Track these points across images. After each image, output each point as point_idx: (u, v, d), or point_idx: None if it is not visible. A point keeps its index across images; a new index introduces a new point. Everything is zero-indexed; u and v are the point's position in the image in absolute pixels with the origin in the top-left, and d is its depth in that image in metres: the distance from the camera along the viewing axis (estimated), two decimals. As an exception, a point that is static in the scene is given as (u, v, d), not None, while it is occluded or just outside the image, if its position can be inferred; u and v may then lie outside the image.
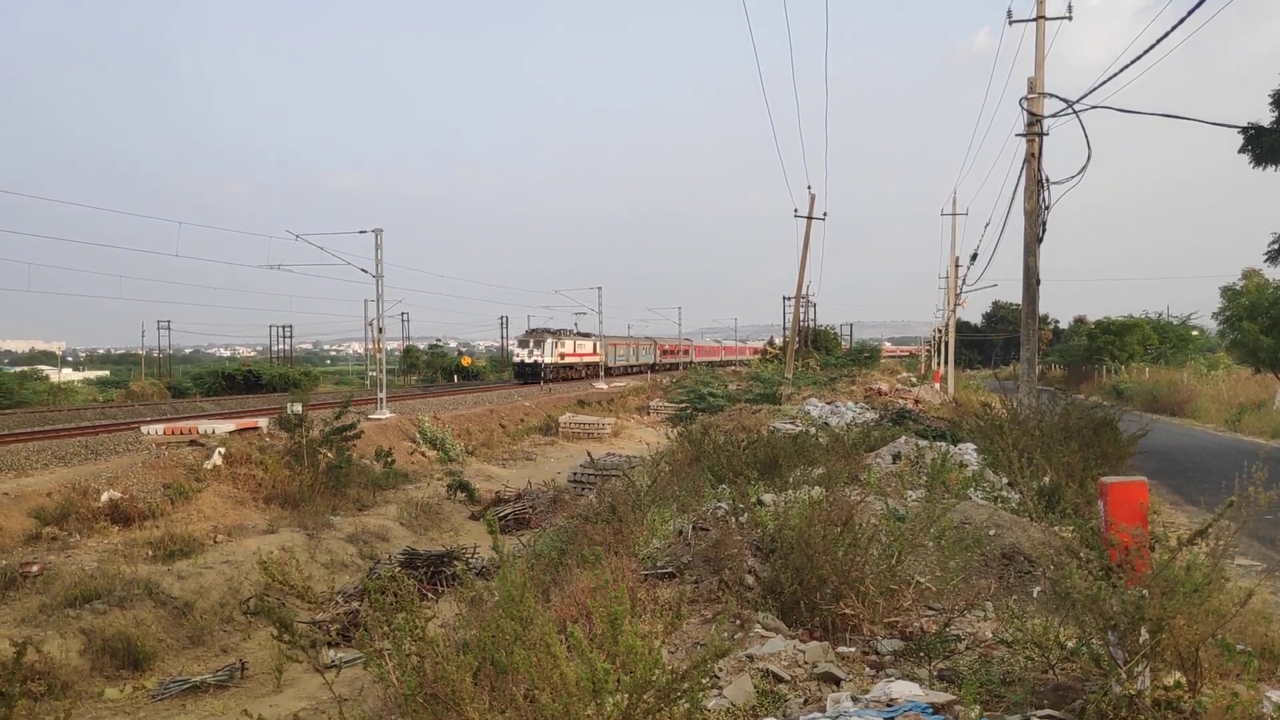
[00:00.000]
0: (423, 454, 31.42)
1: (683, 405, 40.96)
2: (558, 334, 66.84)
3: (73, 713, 6.91)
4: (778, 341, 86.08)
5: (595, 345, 73.57)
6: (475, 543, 19.52)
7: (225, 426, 25.34)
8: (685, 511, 9.72)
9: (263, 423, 26.33)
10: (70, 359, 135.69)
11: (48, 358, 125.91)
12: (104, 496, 18.60)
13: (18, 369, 75.20)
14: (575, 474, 26.23)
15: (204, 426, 25.32)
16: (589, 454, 26.84)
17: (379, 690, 5.79)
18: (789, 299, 72.02)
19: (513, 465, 33.73)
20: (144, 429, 25.96)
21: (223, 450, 22.64)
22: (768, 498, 9.41)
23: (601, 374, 72.28)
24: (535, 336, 65.26)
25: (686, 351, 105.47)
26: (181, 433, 24.93)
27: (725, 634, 5.45)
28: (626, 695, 3.84)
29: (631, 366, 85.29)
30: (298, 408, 24.73)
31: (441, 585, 15.72)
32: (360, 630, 12.60)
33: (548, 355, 63.53)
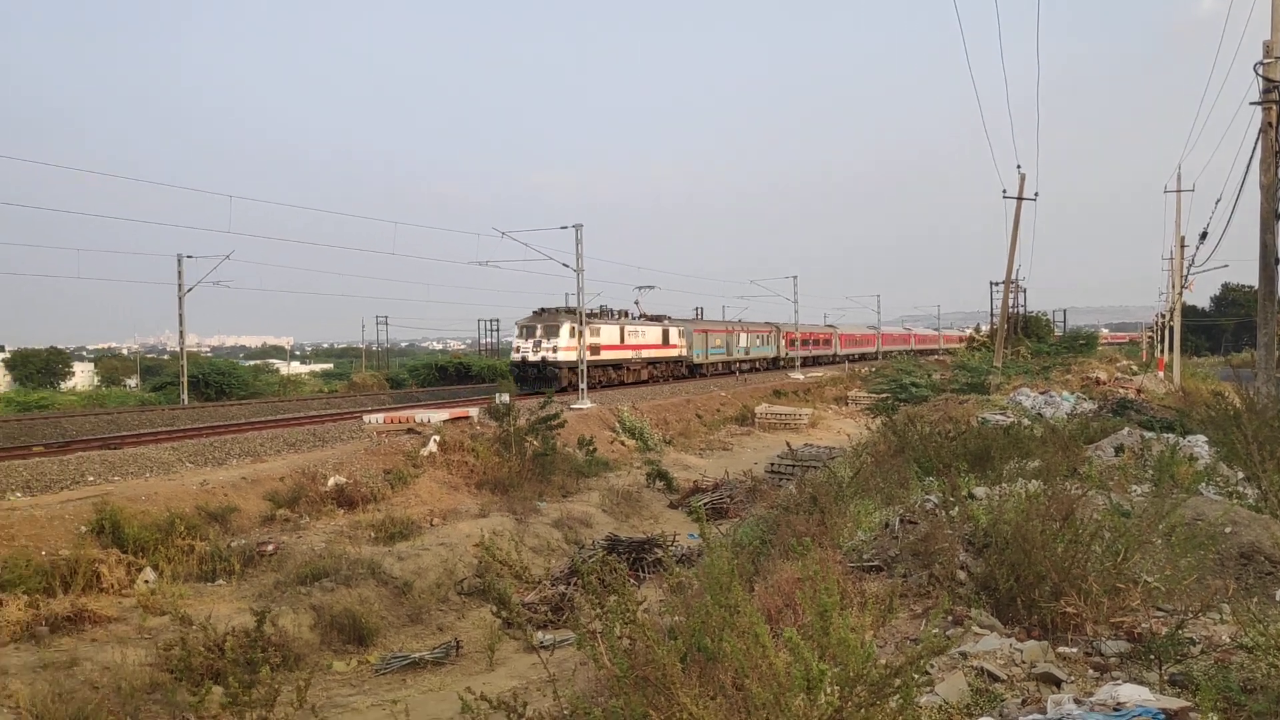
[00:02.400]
0: (622, 443, 32.01)
1: (883, 395, 39.99)
2: (588, 318, 43.10)
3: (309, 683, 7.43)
4: (984, 329, 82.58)
5: (668, 333, 52.42)
6: (675, 530, 19.70)
7: (439, 416, 26.56)
8: (891, 504, 9.49)
9: (473, 412, 27.49)
10: (298, 353, 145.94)
11: (278, 352, 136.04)
12: (330, 481, 19.87)
13: (252, 362, 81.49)
14: (773, 464, 26.09)
15: (420, 416, 26.62)
16: (788, 444, 26.59)
17: (588, 671, 5.92)
18: (997, 284, 68.94)
19: (709, 455, 33.88)
20: (366, 418, 27.52)
21: (437, 438, 23.78)
22: (979, 491, 9.06)
23: (687, 371, 54.67)
24: (546, 320, 42.57)
25: (828, 340, 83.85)
26: (400, 421, 26.30)
27: (937, 630, 5.29)
28: (838, 688, 3.78)
29: (737, 362, 63.22)
30: (505, 398, 25.64)
31: (643, 571, 15.98)
32: (568, 613, 12.98)
33: (564, 348, 41.66)
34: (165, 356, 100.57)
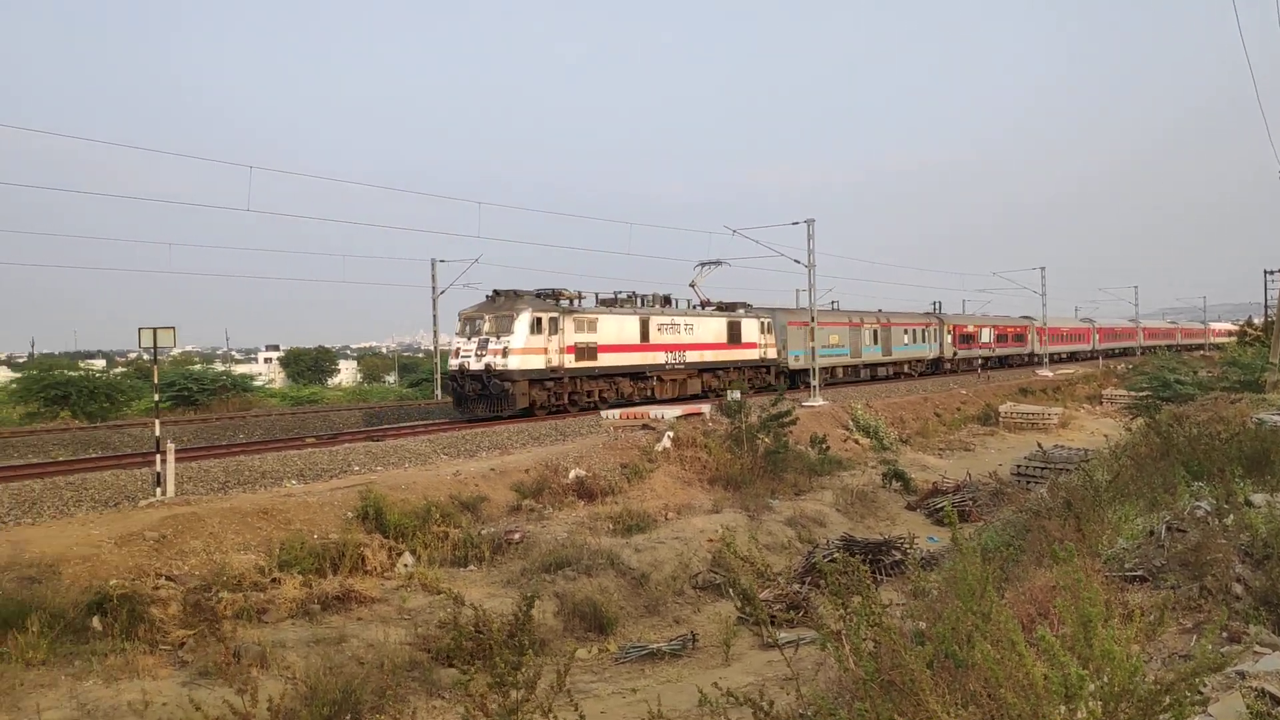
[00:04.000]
0: (856, 441, 31.44)
1: (1143, 394, 37.40)
2: (567, 303, 30.81)
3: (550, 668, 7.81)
4: (1257, 321, 75.35)
5: (739, 328, 38.06)
6: (912, 533, 19.19)
7: (673, 412, 27.02)
8: (1155, 510, 8.85)
9: (705, 409, 27.78)
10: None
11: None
12: (571, 474, 20.57)
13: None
14: (1019, 466, 24.91)
15: (655, 412, 27.17)
16: (1038, 444, 25.31)
17: (830, 672, 5.86)
18: (1272, 273, 62.98)
19: (949, 455, 32.77)
20: (603, 413, 28.35)
21: (671, 434, 24.18)
22: (1257, 498, 8.31)
23: (776, 377, 39.25)
24: (498, 309, 28.93)
25: (1019, 336, 66.18)
26: (635, 417, 26.93)
27: (1211, 646, 4.89)
28: (1101, 704, 3.57)
29: (869, 366, 48.81)
30: (737, 395, 25.74)
31: (880, 574, 15.64)
32: (804, 611, 12.86)
33: (519, 351, 27.75)
34: (420, 354, 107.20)
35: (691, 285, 39.49)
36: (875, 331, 49.31)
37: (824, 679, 6.24)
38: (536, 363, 28.40)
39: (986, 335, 62.08)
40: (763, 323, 40.02)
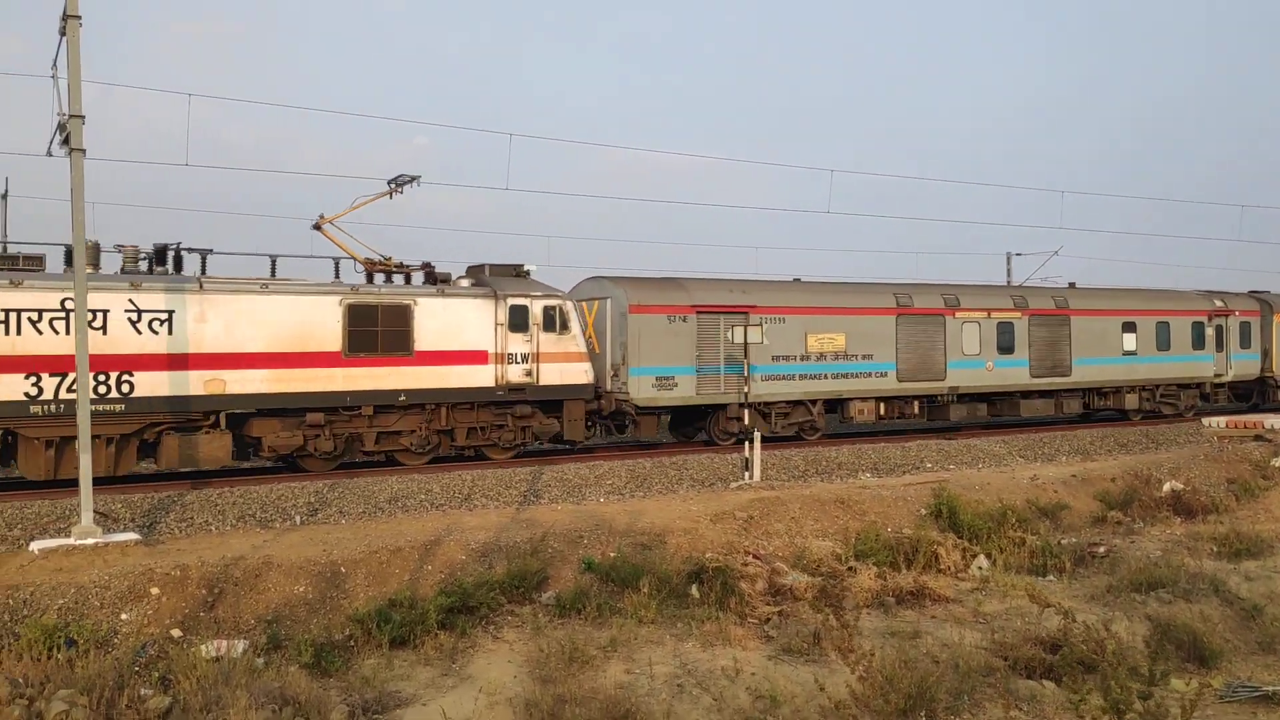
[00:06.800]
0: None
1: None
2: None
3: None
4: None
5: (389, 314, 17.90)
6: None
7: (1293, 423, 23.65)
8: None
9: (1340, 420, 23.93)
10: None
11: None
12: (1165, 486, 18.81)
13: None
14: None
15: (1269, 422, 24.05)
16: None
17: None
18: None
19: None
20: (1205, 421, 25.77)
21: (1292, 449, 21.13)
22: None
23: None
24: None
25: None
26: (1245, 426, 24.05)
27: None
28: None
29: (1013, 394, 25.83)
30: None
31: None
32: None
33: None
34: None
35: (318, 227, 19.67)
36: (1016, 327, 25.64)
37: None
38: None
39: None
40: (514, 306, 19.30)
